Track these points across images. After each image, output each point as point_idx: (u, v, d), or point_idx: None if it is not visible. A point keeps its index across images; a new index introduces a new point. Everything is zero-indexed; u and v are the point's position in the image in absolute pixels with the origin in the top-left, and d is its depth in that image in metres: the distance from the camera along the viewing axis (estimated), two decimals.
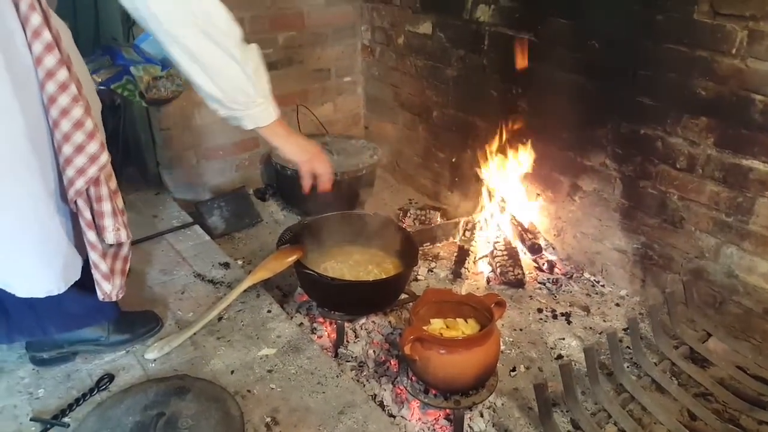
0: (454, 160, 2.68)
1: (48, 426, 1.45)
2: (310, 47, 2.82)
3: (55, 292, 1.42)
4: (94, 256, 1.41)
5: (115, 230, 1.41)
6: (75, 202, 1.34)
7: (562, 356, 1.90)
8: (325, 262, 2.00)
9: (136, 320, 1.74)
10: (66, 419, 1.47)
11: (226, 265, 2.10)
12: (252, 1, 2.56)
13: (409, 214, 2.64)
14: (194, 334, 1.74)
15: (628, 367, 1.79)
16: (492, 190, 2.40)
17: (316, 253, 2.00)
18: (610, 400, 1.64)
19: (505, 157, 2.36)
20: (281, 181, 2.75)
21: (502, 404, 1.71)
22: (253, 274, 1.84)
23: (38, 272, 1.38)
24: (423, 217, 2.61)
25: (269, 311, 1.87)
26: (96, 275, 1.44)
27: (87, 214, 1.36)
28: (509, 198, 2.38)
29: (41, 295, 1.41)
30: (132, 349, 1.70)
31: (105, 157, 1.31)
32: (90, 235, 1.38)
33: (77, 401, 1.51)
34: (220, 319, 1.82)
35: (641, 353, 1.79)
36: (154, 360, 1.66)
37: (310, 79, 2.89)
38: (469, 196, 2.63)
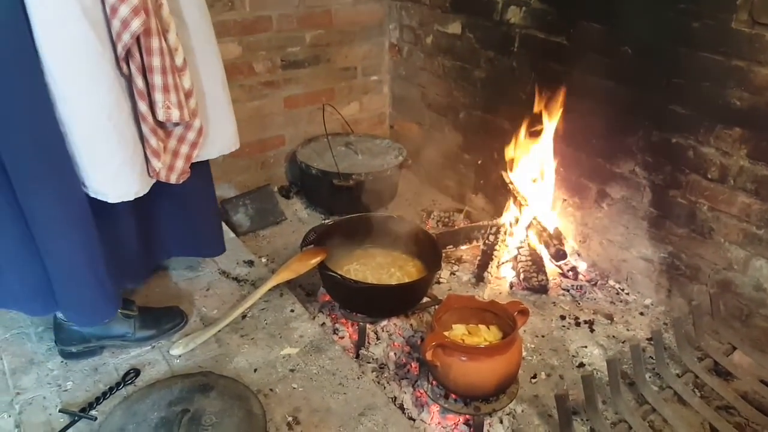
0: (479, 162, 2.67)
1: (76, 418, 1.48)
2: (337, 45, 2.83)
3: (141, 194, 1.44)
4: (144, 129, 1.40)
5: (165, 107, 1.39)
6: (128, 64, 1.33)
7: (584, 364, 1.89)
8: (348, 263, 2.02)
9: (161, 316, 1.76)
10: (93, 412, 1.50)
11: (250, 263, 2.12)
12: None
13: (432, 216, 2.64)
14: (219, 331, 1.76)
15: (650, 377, 1.77)
16: (517, 193, 2.38)
17: (340, 255, 2.01)
18: (631, 411, 1.63)
19: (532, 161, 2.35)
20: (305, 180, 2.77)
21: (522, 411, 1.71)
22: (277, 275, 1.86)
23: (124, 176, 1.40)
24: (446, 219, 2.61)
25: (292, 310, 1.89)
26: (147, 150, 1.43)
27: (139, 82, 1.35)
28: (535, 202, 2.36)
29: (131, 197, 1.42)
30: (157, 345, 1.72)
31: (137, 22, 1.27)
32: (141, 106, 1.38)
33: (104, 395, 1.54)
34: (244, 317, 1.84)
35: (664, 365, 1.78)
36: (179, 356, 1.69)
37: (337, 78, 2.90)
38: (493, 200, 2.61)
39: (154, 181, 1.50)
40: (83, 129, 1.32)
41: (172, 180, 1.53)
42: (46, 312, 1.59)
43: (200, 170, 1.68)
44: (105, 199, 1.41)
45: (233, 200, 2.59)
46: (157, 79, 1.37)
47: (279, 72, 2.71)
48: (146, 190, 1.47)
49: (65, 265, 1.46)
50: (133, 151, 1.40)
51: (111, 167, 1.38)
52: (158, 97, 1.38)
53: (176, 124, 1.49)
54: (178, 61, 1.42)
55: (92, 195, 1.41)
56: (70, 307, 1.55)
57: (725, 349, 1.84)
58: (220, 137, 1.65)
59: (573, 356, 1.93)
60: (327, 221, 2.52)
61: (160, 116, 1.41)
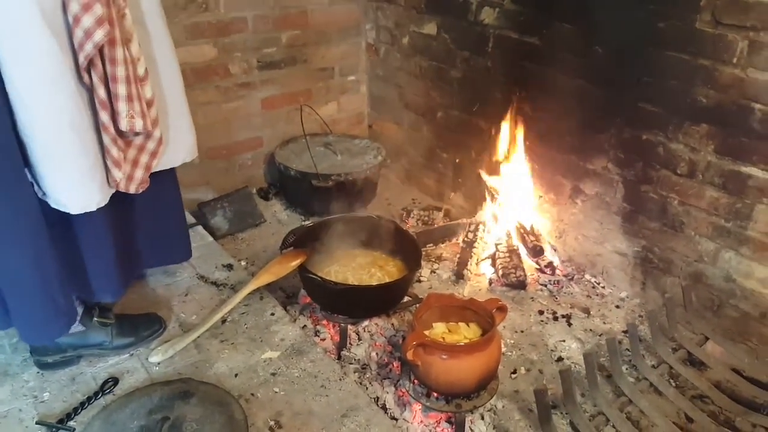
0: (457, 161, 2.69)
1: (54, 430, 1.45)
2: (314, 46, 2.82)
3: (102, 204, 1.44)
4: (105, 139, 1.40)
5: (128, 117, 1.39)
6: (89, 74, 1.32)
7: (563, 358, 1.93)
8: (328, 265, 2.03)
9: (139, 323, 1.75)
10: (71, 423, 1.47)
11: (230, 267, 2.11)
12: (255, 0, 2.56)
13: (412, 215, 2.66)
14: (198, 337, 1.76)
15: (626, 369, 1.81)
16: (495, 191, 2.41)
17: (320, 256, 2.02)
18: (609, 404, 1.67)
19: (508, 159, 2.38)
20: (284, 182, 2.76)
21: (503, 406, 1.73)
22: (256, 278, 1.86)
23: (85, 186, 1.39)
24: (426, 218, 2.63)
25: (272, 314, 1.89)
26: (107, 160, 1.43)
27: (101, 92, 1.35)
28: (512, 200, 2.39)
29: (93, 208, 1.42)
30: (136, 353, 1.71)
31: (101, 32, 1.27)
32: (103, 116, 1.37)
33: (82, 405, 1.52)
34: (223, 321, 1.84)
35: (639, 357, 1.82)
36: (158, 363, 1.67)
37: (314, 78, 2.89)
38: (472, 197, 2.64)
39: (113, 191, 1.49)
40: (44, 137, 1.30)
41: (132, 190, 1.52)
42: (5, 326, 1.55)
43: (166, 178, 1.68)
44: (66, 211, 1.40)
45: (211, 203, 2.57)
46: (121, 89, 1.36)
47: (255, 73, 2.70)
48: (106, 201, 1.46)
49: (14, 281, 1.43)
50: (94, 161, 1.40)
51: (72, 177, 1.37)
52: (122, 106, 1.38)
53: (137, 134, 1.48)
54: (140, 70, 1.42)
55: (54, 206, 1.39)
56: (19, 322, 1.51)
57: (698, 340, 1.89)
58: (181, 145, 1.66)
59: (552, 350, 1.96)
60: (306, 223, 2.53)
61: (124, 126, 1.40)
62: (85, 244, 1.53)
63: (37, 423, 1.48)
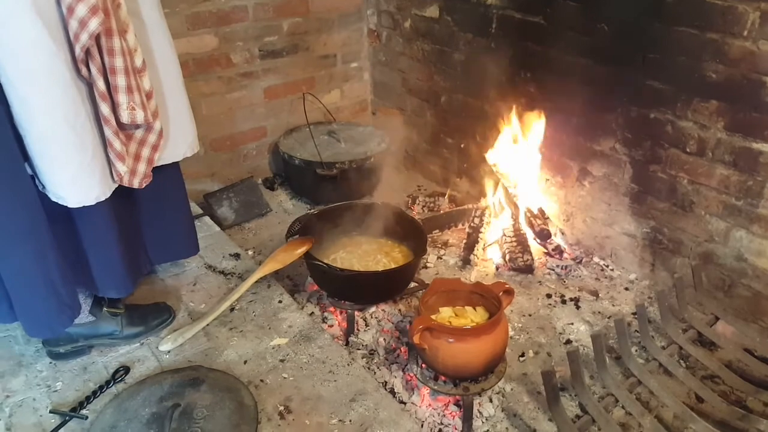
0: (462, 145, 2.67)
1: (67, 418, 1.47)
2: (315, 33, 2.80)
3: (101, 198, 1.42)
4: (107, 132, 1.38)
5: (129, 108, 1.37)
6: (87, 67, 1.31)
7: (571, 341, 1.92)
8: (334, 252, 2.03)
9: (148, 312, 1.76)
10: (84, 411, 1.50)
11: (237, 256, 2.11)
12: None
13: (417, 201, 2.65)
14: (207, 325, 1.77)
15: (636, 351, 1.80)
16: (501, 175, 2.39)
17: (325, 244, 2.02)
18: (618, 385, 1.66)
19: (514, 142, 2.35)
20: (289, 171, 2.76)
21: (511, 389, 1.73)
22: (263, 266, 1.86)
23: (83, 180, 1.38)
24: (432, 204, 2.62)
25: (280, 301, 1.89)
26: (110, 153, 1.41)
27: (100, 84, 1.33)
28: (518, 183, 2.37)
29: (91, 202, 1.41)
30: (146, 341, 1.72)
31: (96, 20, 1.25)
32: (103, 108, 1.35)
33: (94, 393, 1.54)
34: (232, 310, 1.84)
35: (649, 338, 1.80)
36: (168, 351, 1.69)
37: (317, 66, 2.88)
38: (478, 182, 2.62)
39: (116, 186, 1.48)
40: (39, 131, 1.30)
41: (135, 184, 1.51)
42: (11, 319, 1.54)
43: (171, 173, 1.67)
44: (64, 204, 1.39)
45: (217, 194, 2.58)
46: (120, 81, 1.35)
47: (257, 62, 2.69)
48: (107, 195, 1.44)
49: (16, 274, 1.42)
50: (92, 154, 1.38)
51: (69, 170, 1.36)
52: (122, 98, 1.36)
53: (137, 127, 1.47)
54: (138, 62, 1.41)
55: (53, 199, 1.39)
56: (23, 316, 1.51)
57: (708, 320, 1.87)
58: (182, 139, 1.64)
59: (560, 333, 1.95)
60: (312, 211, 2.52)
61: (125, 118, 1.38)
62: (87, 238, 1.53)
63: (50, 412, 1.50)
